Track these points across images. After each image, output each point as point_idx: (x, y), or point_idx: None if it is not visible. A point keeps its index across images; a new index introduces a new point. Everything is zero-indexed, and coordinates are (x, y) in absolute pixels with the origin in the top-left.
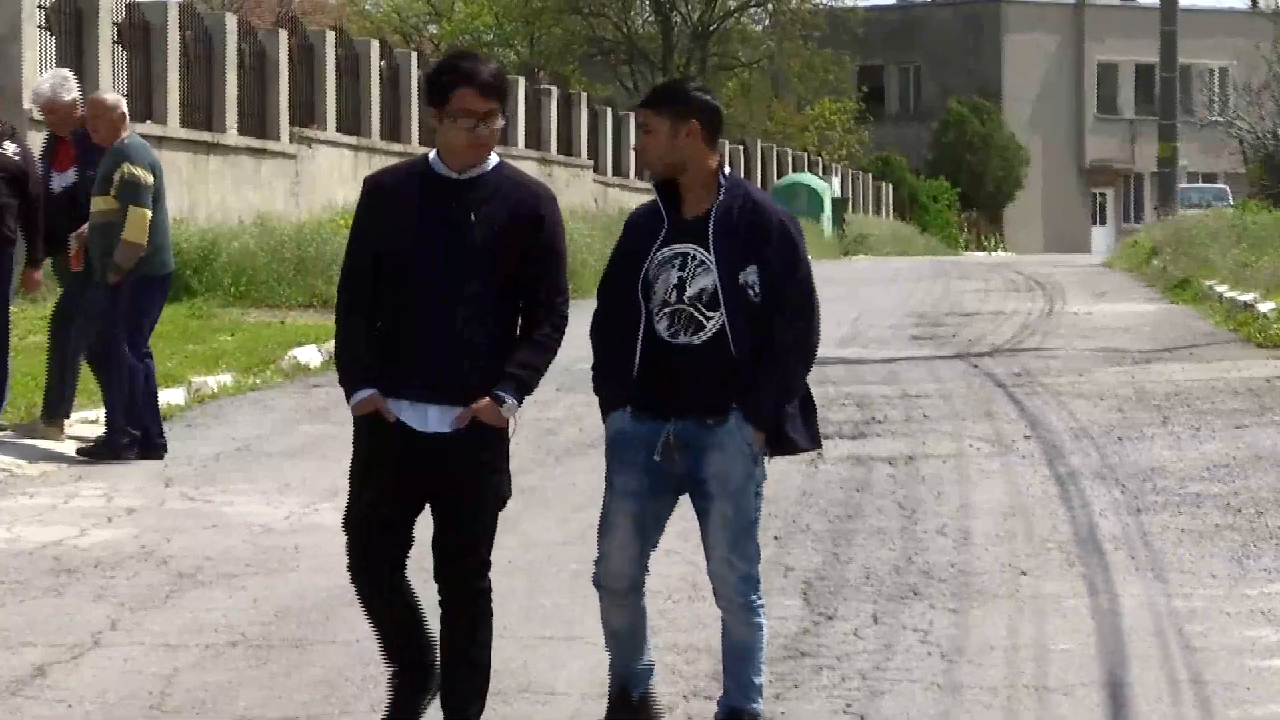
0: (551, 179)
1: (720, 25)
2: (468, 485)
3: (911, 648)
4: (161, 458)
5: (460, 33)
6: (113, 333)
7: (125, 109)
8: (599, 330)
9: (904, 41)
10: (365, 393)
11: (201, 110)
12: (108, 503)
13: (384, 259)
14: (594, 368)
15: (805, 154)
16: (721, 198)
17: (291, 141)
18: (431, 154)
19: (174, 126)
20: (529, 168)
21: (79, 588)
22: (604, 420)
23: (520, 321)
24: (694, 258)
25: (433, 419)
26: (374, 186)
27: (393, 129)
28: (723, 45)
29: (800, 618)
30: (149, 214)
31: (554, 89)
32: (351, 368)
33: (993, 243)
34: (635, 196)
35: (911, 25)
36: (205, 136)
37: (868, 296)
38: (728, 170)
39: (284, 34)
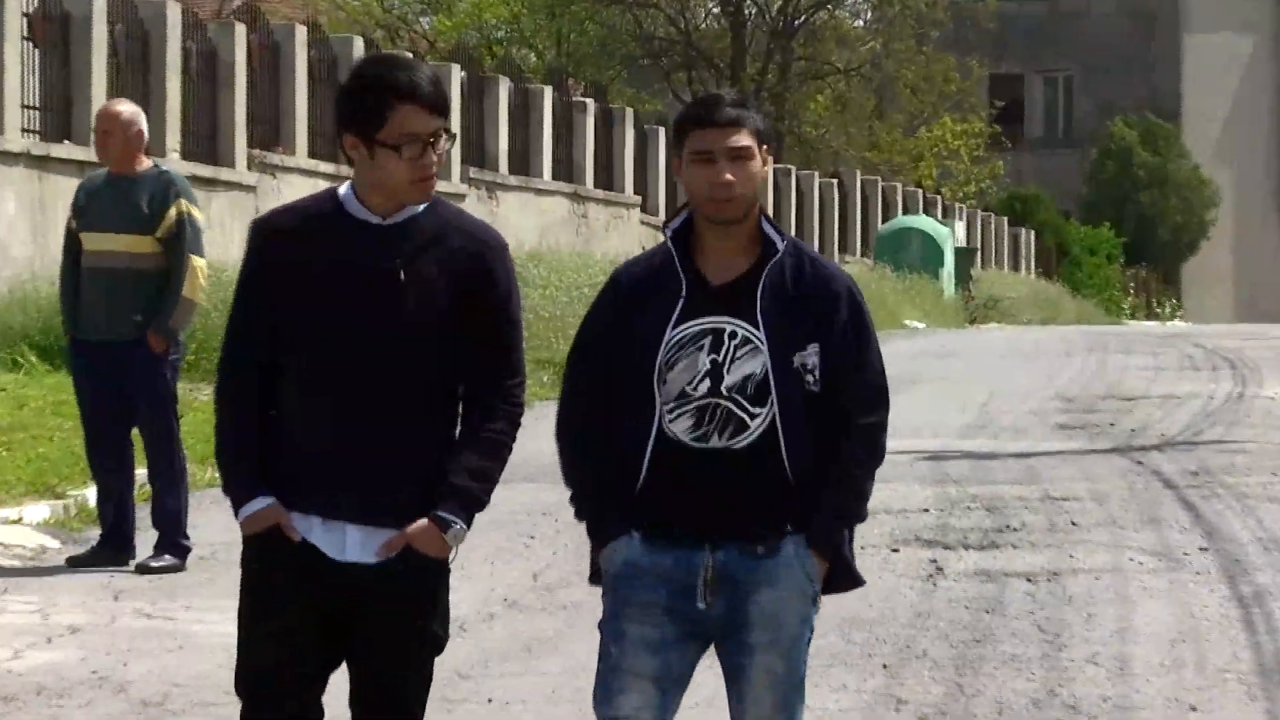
0: (587, 220)
1: (808, 20)
2: (396, 631)
3: None
4: (126, 562)
5: (464, 27)
6: (172, 414)
7: (144, 125)
8: (574, 432)
9: (1052, 44)
10: (261, 503)
11: None
12: (43, 619)
13: (283, 331)
14: (573, 483)
15: (920, 190)
16: (773, 255)
17: (250, 169)
18: (342, 189)
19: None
20: (558, 205)
21: (22, 717)
22: (596, 551)
23: (463, 412)
24: (734, 335)
25: (352, 544)
26: (267, 233)
27: None
28: (811, 46)
29: None
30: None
31: (590, 102)
32: (239, 469)
33: (1167, 309)
34: None
35: (1062, 22)
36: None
37: (1001, 375)
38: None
39: (241, 29)
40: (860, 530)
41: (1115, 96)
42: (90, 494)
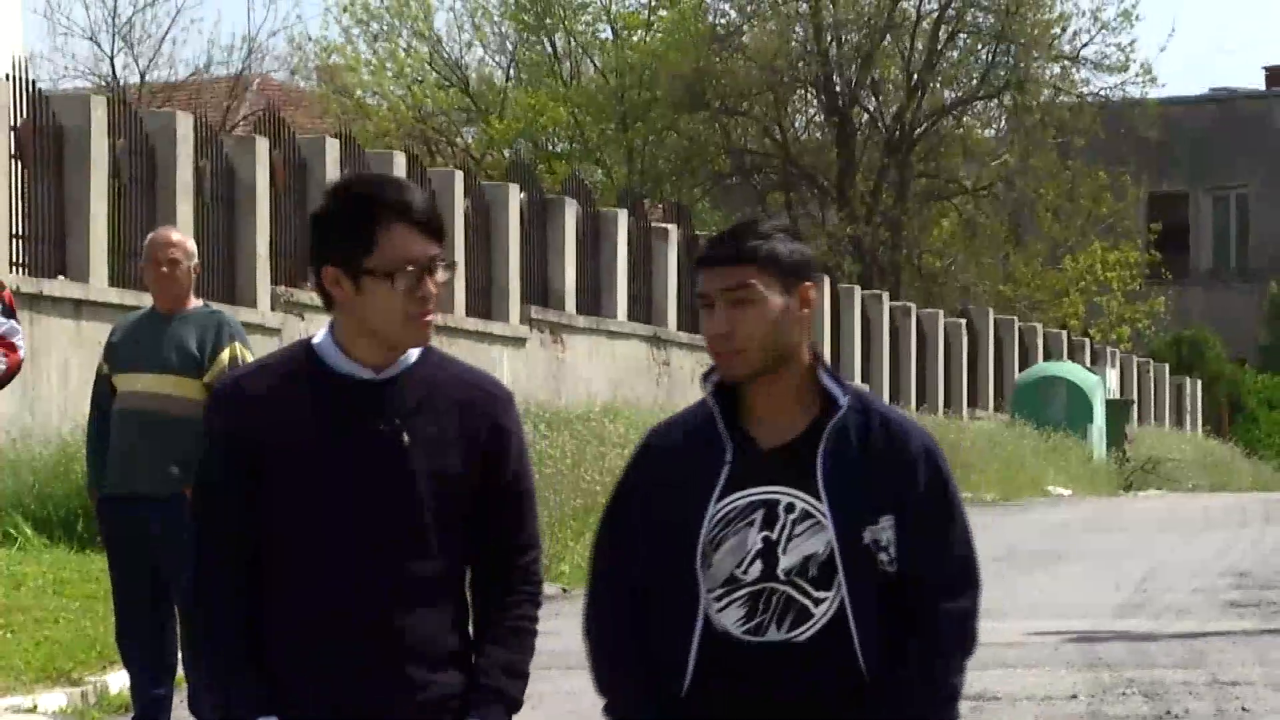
0: (669, 368)
1: (929, 129)
2: None
3: None
4: None
5: (517, 134)
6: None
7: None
8: (607, 627)
9: (1224, 155)
10: None
11: (139, 261)
12: None
13: (268, 521)
14: (605, 690)
15: (1064, 332)
16: (834, 411)
17: (274, 308)
18: (317, 338)
19: (99, 284)
20: (636, 350)
21: None
22: None
23: (477, 595)
24: (791, 508)
25: None
26: (235, 404)
27: None
28: (933, 161)
29: None
30: None
31: (671, 228)
32: (237, 682)
33: None
34: None
35: (1237, 128)
36: (147, 300)
37: (1162, 548)
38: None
39: (263, 145)
40: (999, 718)
41: None
42: (111, 680)
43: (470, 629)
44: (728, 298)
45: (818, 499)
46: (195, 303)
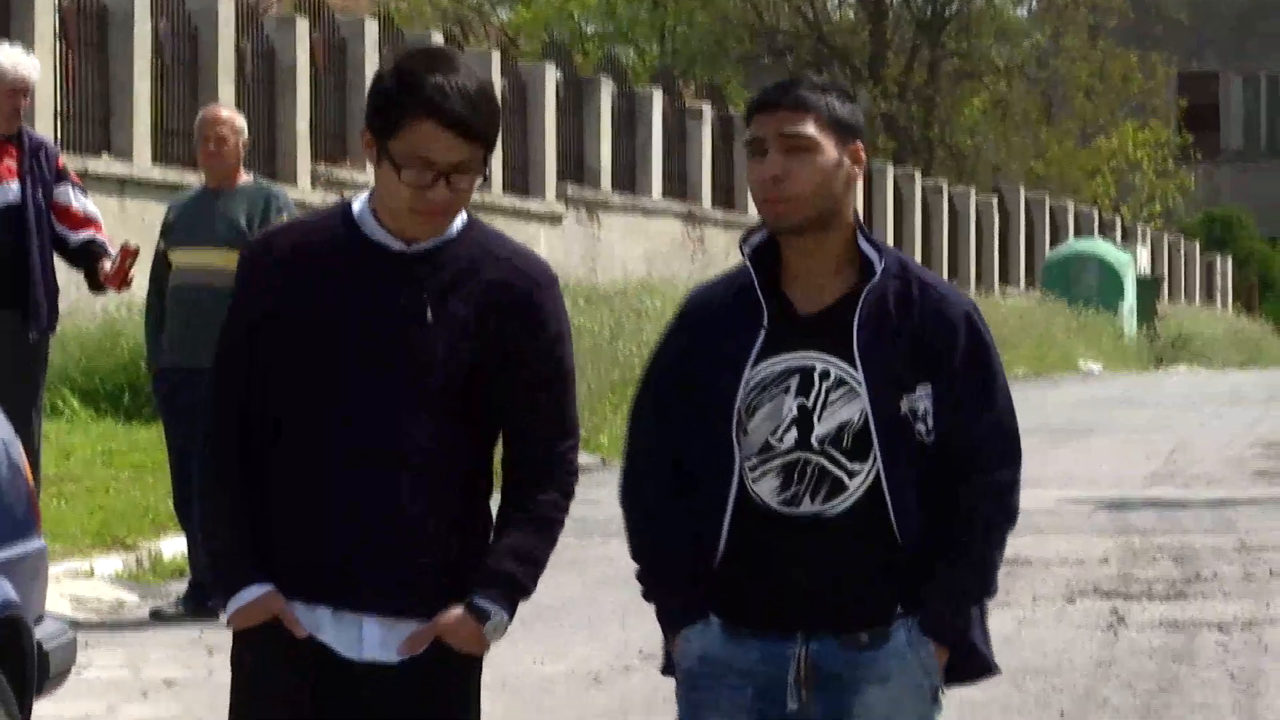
0: (704, 245)
1: (962, 9)
2: None
3: None
4: (216, 614)
5: (549, 19)
6: None
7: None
8: (643, 495)
9: (1253, 36)
10: (256, 591)
11: (182, 140)
12: (135, 674)
13: (282, 386)
14: (640, 558)
15: (1095, 210)
16: (872, 277)
17: (315, 186)
18: (357, 205)
19: (143, 162)
20: (670, 228)
21: None
22: (670, 640)
23: (507, 480)
24: (826, 375)
25: (370, 640)
26: (264, 263)
27: None
28: (965, 40)
29: None
30: None
31: (705, 108)
32: (230, 555)
33: None
34: None
35: (1266, 10)
36: (190, 179)
37: (1192, 422)
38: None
39: (303, 26)
40: (1031, 581)
41: None
42: (165, 545)
43: (492, 512)
44: (784, 144)
45: (854, 366)
46: (245, 178)
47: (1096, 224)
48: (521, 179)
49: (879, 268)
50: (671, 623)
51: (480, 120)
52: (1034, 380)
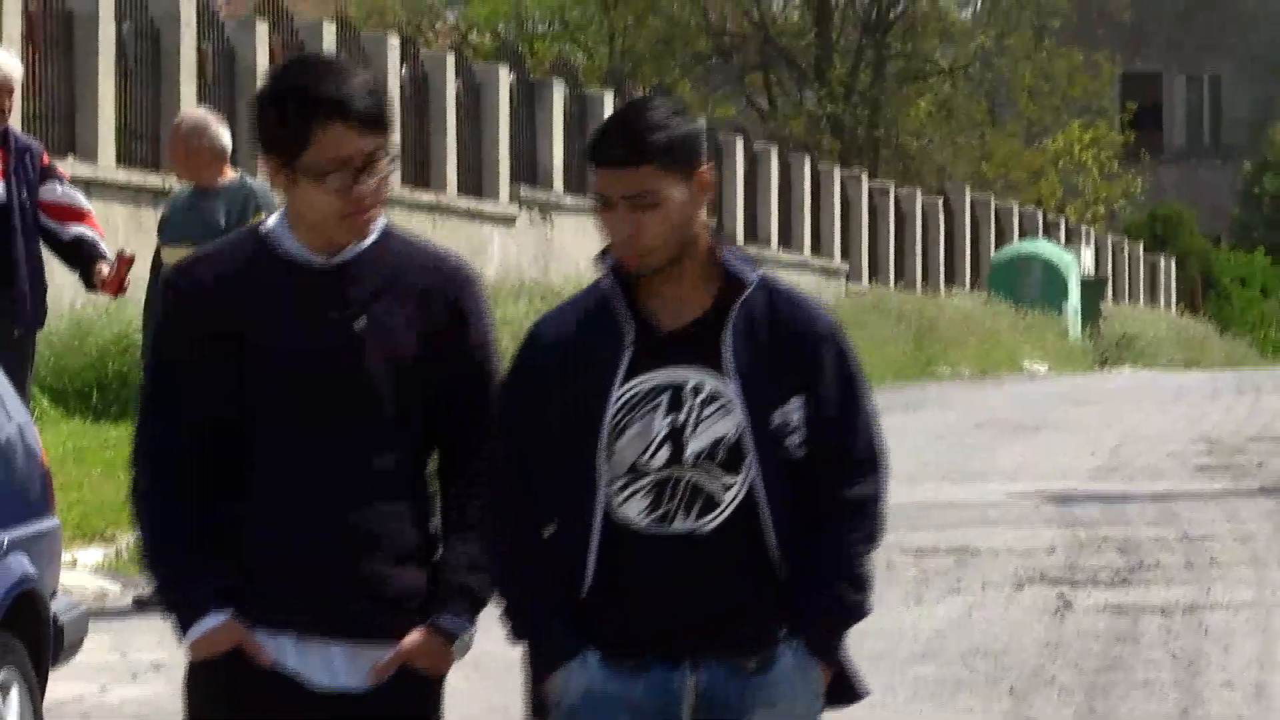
0: None
1: (906, 10)
2: None
3: None
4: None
5: (502, 16)
6: None
7: (218, 134)
8: (502, 530)
9: (1198, 36)
10: (214, 620)
11: (145, 142)
12: (123, 657)
13: (220, 411)
14: (506, 593)
15: (1040, 211)
16: (740, 291)
17: (274, 187)
18: (270, 223)
19: (107, 164)
20: None
21: None
22: (539, 678)
23: (444, 493)
24: (698, 390)
25: (340, 668)
26: (185, 287)
27: (417, 171)
28: (910, 42)
29: None
30: None
31: None
32: (184, 580)
33: None
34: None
35: (1208, 11)
36: (153, 181)
37: (1136, 418)
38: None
39: (263, 28)
40: (981, 570)
41: (1274, 98)
42: None
43: (438, 522)
44: (629, 203)
45: (725, 380)
46: (231, 176)
47: (1041, 225)
48: (475, 181)
49: (752, 279)
50: (549, 661)
51: (380, 106)
52: (979, 380)
